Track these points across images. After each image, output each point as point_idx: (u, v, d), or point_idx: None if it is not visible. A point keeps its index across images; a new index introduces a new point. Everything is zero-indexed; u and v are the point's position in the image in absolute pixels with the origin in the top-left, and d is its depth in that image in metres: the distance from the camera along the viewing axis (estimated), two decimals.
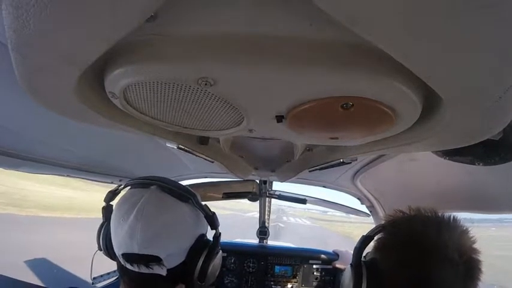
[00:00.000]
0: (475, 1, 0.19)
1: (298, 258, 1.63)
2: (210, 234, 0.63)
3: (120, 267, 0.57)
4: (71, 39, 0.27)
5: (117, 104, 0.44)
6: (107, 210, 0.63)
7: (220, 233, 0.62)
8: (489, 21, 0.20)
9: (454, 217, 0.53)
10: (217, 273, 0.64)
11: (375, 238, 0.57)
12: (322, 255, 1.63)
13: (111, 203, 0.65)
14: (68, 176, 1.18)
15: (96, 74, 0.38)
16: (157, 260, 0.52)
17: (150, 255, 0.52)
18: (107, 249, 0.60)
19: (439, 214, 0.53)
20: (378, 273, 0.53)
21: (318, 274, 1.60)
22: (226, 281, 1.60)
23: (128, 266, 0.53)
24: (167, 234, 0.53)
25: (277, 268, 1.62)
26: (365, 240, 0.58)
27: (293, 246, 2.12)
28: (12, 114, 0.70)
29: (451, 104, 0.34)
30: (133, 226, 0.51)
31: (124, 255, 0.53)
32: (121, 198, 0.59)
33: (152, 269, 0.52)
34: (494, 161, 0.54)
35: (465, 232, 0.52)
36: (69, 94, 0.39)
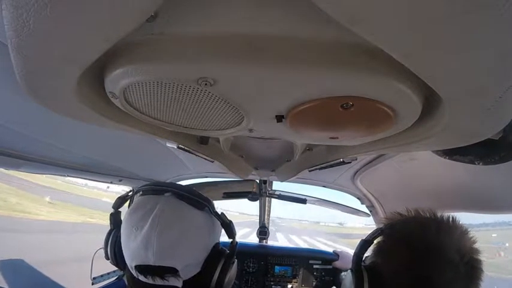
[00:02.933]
0: (475, 1, 0.19)
1: (298, 258, 1.63)
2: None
3: (131, 278, 0.54)
4: (71, 39, 0.27)
5: (117, 104, 0.44)
6: (115, 217, 0.60)
7: (237, 242, 0.60)
8: (489, 21, 0.20)
9: (453, 218, 0.52)
10: (232, 282, 0.62)
11: (374, 242, 0.57)
12: (322, 256, 1.63)
13: (119, 209, 0.62)
14: (68, 175, 1.18)
15: (96, 74, 0.38)
16: (173, 271, 0.49)
17: (167, 266, 0.49)
18: (116, 259, 0.58)
19: (438, 215, 0.53)
20: (378, 277, 0.53)
21: (318, 274, 1.60)
22: None
23: (141, 277, 0.51)
24: (184, 244, 0.51)
25: (277, 268, 1.62)
26: (364, 244, 0.57)
27: (293, 246, 2.12)
28: (12, 114, 0.70)
29: (451, 104, 0.34)
30: (148, 236, 0.48)
31: (137, 267, 0.50)
32: (133, 205, 0.56)
33: (168, 280, 0.50)
34: (494, 160, 0.54)
35: (465, 233, 0.51)
36: (69, 94, 0.39)
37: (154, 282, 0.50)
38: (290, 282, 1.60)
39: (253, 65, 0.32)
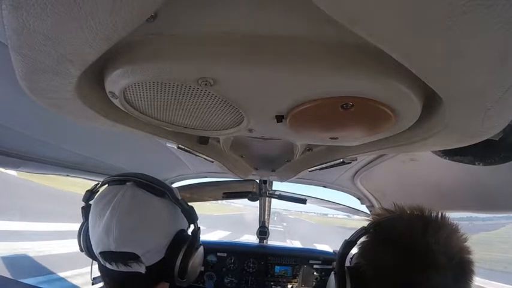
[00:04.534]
0: (475, 1, 0.19)
1: (298, 258, 1.63)
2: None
3: (101, 267, 0.56)
4: (70, 39, 0.27)
5: (117, 104, 0.44)
6: (86, 210, 0.61)
7: (199, 228, 0.61)
8: (489, 21, 0.20)
9: (442, 215, 0.50)
10: (199, 269, 0.64)
11: (359, 242, 0.54)
12: (322, 256, 1.63)
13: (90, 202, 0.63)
14: (68, 175, 1.18)
15: (96, 74, 0.38)
16: (134, 257, 0.51)
17: (127, 252, 0.51)
18: (88, 249, 0.59)
19: (426, 213, 0.50)
20: (362, 278, 0.51)
21: (318, 274, 1.60)
22: (226, 281, 1.60)
23: (107, 264, 0.53)
24: (143, 230, 0.53)
25: (277, 268, 1.62)
26: (347, 245, 0.55)
27: (293, 246, 2.11)
28: (13, 114, 0.70)
29: (451, 104, 0.34)
30: (108, 223, 0.51)
31: (101, 253, 0.52)
32: (97, 196, 0.58)
33: (130, 266, 0.52)
34: (494, 161, 0.54)
35: (454, 232, 0.48)
36: (69, 94, 0.39)
37: (118, 269, 0.52)
38: (290, 282, 1.60)
39: (253, 65, 0.32)
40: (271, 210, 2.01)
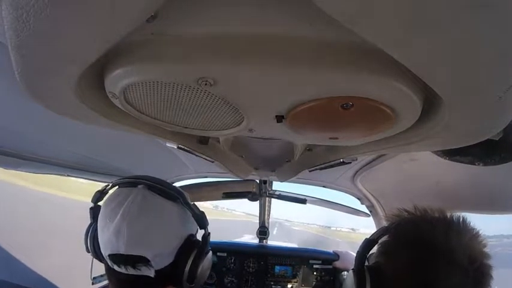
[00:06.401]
0: (475, 1, 0.19)
1: (298, 258, 1.63)
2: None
3: (108, 268, 0.56)
4: (70, 39, 0.27)
5: (117, 104, 0.44)
6: (95, 211, 0.61)
7: (209, 233, 0.61)
8: (489, 21, 0.20)
9: (463, 219, 0.50)
10: (207, 274, 0.64)
11: (379, 241, 0.55)
12: (322, 256, 1.63)
13: (99, 203, 0.63)
14: (68, 175, 1.18)
15: (96, 74, 0.38)
16: (144, 260, 0.51)
17: (137, 255, 0.51)
18: (95, 250, 0.59)
19: (448, 216, 0.50)
20: (381, 278, 0.51)
21: (318, 274, 1.60)
22: (226, 281, 1.60)
23: (115, 267, 0.52)
24: (154, 234, 0.53)
25: (277, 268, 1.62)
26: (368, 243, 0.55)
27: (293, 246, 2.11)
28: (12, 114, 0.70)
29: (451, 104, 0.34)
30: (119, 226, 0.50)
31: (110, 256, 0.52)
32: (108, 197, 0.58)
33: (140, 270, 0.51)
34: (494, 161, 0.54)
35: (475, 236, 0.49)
36: (69, 94, 0.39)
37: (127, 272, 0.51)
38: (290, 282, 1.60)
39: (253, 65, 0.32)
40: (270, 220, 1.99)
